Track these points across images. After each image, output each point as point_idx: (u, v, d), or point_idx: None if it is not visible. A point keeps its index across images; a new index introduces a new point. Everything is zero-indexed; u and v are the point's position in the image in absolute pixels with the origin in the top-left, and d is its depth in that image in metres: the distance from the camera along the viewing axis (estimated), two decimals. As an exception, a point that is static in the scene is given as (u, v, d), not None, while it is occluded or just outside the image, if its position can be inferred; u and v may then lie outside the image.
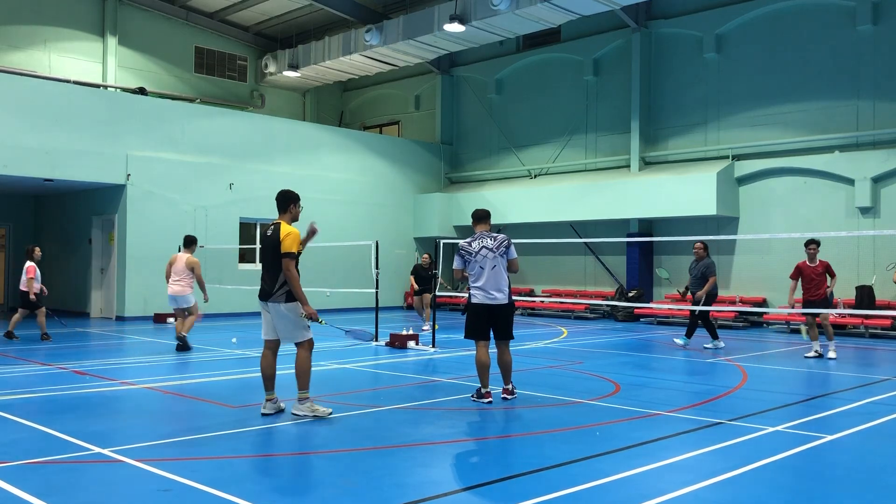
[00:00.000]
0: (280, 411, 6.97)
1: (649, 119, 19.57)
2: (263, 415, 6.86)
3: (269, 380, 6.95)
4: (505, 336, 7.68)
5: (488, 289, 7.49)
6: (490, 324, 7.61)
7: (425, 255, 15.61)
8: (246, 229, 20.04)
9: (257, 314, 21.36)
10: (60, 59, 20.64)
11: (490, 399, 7.54)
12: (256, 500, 4.41)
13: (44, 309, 13.35)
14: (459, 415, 7.12)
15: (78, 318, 18.37)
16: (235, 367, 10.24)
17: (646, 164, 19.50)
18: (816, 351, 11.48)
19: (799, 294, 11.70)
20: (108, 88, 20.85)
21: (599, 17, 19.50)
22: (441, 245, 13.61)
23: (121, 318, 17.47)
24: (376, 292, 13.34)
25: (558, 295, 20.33)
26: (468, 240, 7.65)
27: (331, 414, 6.79)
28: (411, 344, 12.43)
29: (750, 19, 17.95)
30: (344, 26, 22.89)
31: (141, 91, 20.85)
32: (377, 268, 13.18)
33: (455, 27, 18.51)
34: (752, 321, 17.07)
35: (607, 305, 19.33)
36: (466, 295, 7.84)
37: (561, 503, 4.42)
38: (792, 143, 17.19)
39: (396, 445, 5.85)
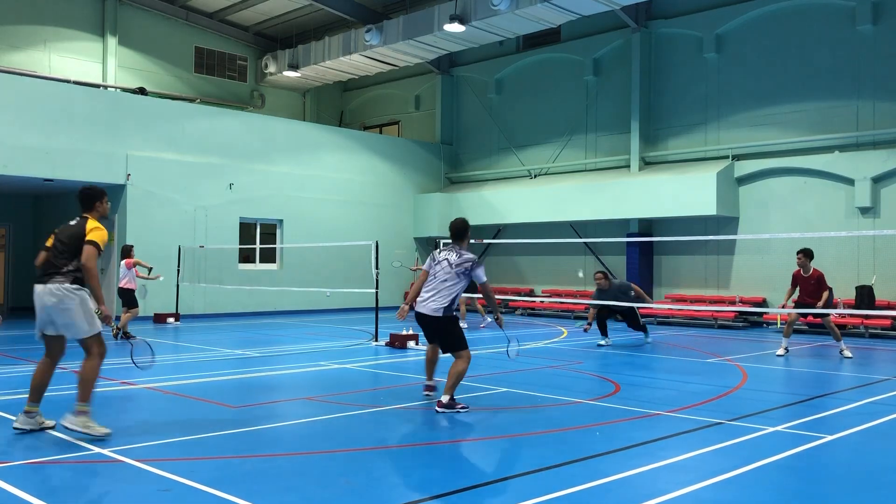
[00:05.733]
0: (42, 427, 6.10)
1: (649, 119, 19.57)
2: (15, 429, 6.06)
3: (35, 390, 6.15)
4: (449, 348, 7.46)
5: (426, 298, 7.40)
6: (431, 333, 7.63)
7: None
8: (246, 229, 20.04)
9: (258, 314, 21.26)
10: (60, 59, 20.63)
11: (428, 393, 7.75)
12: (256, 500, 4.41)
13: (137, 310, 14.08)
14: (459, 415, 7.12)
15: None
16: (235, 367, 10.24)
17: (646, 164, 19.50)
18: (785, 348, 12.01)
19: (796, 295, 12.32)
20: (108, 88, 20.85)
21: (599, 17, 19.50)
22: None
23: (120, 318, 17.44)
24: (376, 292, 13.34)
25: (558, 295, 20.31)
26: (440, 249, 7.80)
27: (108, 435, 5.84)
28: (411, 344, 12.43)
29: (750, 19, 17.94)
30: (344, 26, 22.89)
31: (141, 91, 20.85)
32: (377, 268, 13.18)
33: (455, 27, 18.51)
34: (752, 321, 17.07)
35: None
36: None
37: (561, 503, 4.42)
38: (792, 143, 17.19)
39: (396, 445, 5.85)
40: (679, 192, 17.68)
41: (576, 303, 19.14)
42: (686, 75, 18.99)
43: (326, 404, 7.11)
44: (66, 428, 5.88)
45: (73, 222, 6.20)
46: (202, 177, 18.68)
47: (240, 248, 19.52)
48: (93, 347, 6.09)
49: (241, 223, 19.67)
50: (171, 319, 16.94)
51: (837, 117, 16.60)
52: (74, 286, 5.96)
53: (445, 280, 7.39)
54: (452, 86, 24.31)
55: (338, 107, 27.10)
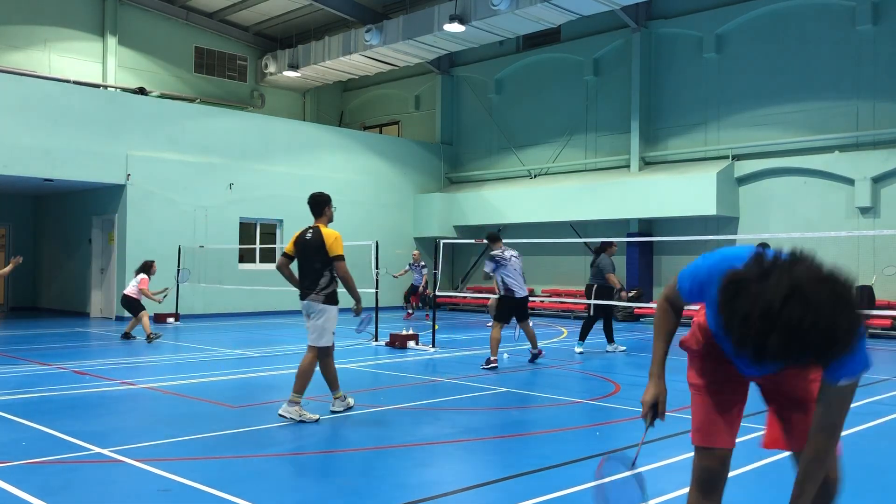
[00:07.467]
0: (349, 407, 7.02)
1: (649, 119, 19.57)
2: (333, 412, 6.90)
3: (330, 381, 7.01)
4: (524, 318, 10.40)
5: (523, 285, 10.27)
6: (519, 310, 10.27)
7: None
8: (246, 229, 20.03)
9: (258, 314, 21.29)
10: (60, 59, 20.63)
11: (496, 366, 9.88)
12: (256, 500, 4.41)
13: (144, 313, 13.48)
14: (459, 415, 7.13)
15: (78, 318, 18.38)
16: (235, 367, 10.24)
17: (646, 164, 19.50)
18: None
19: None
20: (108, 88, 20.85)
21: (599, 17, 19.49)
22: (441, 245, 13.61)
23: (121, 318, 17.43)
24: (376, 292, 13.33)
25: (558, 295, 20.32)
26: (500, 251, 10.27)
27: (318, 420, 6.59)
28: (411, 344, 12.43)
29: (750, 19, 17.94)
30: (344, 26, 22.89)
31: (141, 91, 20.85)
32: (377, 268, 13.18)
33: (455, 27, 18.51)
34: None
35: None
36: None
37: (561, 503, 4.42)
38: (792, 143, 17.19)
39: (396, 445, 5.85)
40: (679, 192, 17.68)
41: (576, 303, 19.13)
42: (686, 75, 18.99)
43: (326, 404, 7.11)
44: (281, 416, 6.54)
45: (308, 235, 6.92)
46: (202, 177, 18.68)
47: (240, 249, 19.52)
48: (316, 352, 6.88)
49: (241, 223, 19.67)
50: (171, 319, 16.94)
51: (837, 117, 16.60)
52: (326, 305, 6.81)
53: (522, 271, 10.43)
54: (452, 86, 24.31)
55: (338, 107, 27.10)
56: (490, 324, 16.77)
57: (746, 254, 2.38)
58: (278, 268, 7.07)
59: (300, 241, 6.95)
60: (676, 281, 2.88)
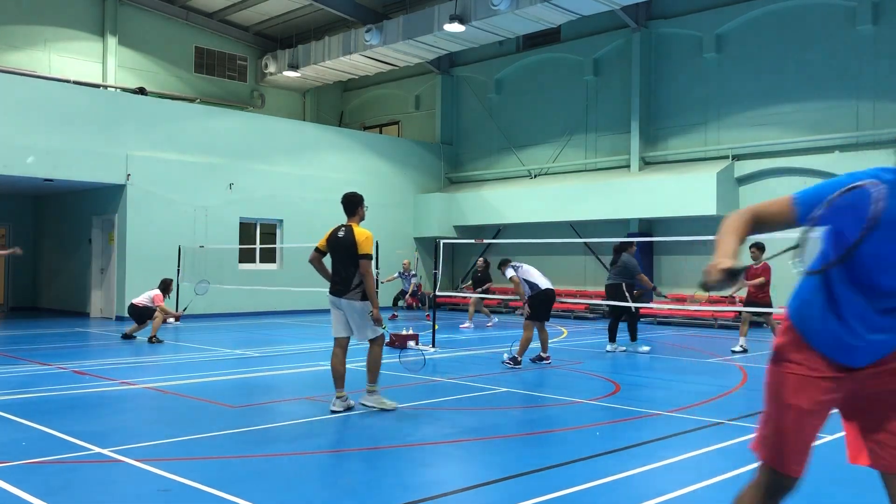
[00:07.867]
0: (349, 408, 7.06)
1: (649, 119, 19.57)
2: (333, 412, 6.92)
3: (339, 378, 7.10)
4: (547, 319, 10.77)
5: (544, 280, 10.54)
6: (549, 304, 10.57)
7: (480, 260, 17.64)
8: (246, 229, 20.03)
9: (257, 314, 21.24)
10: (60, 59, 20.63)
11: (520, 366, 10.06)
12: (256, 500, 4.41)
13: (161, 315, 13.34)
14: (459, 415, 7.13)
15: (78, 318, 18.37)
16: (235, 367, 10.24)
17: (646, 164, 19.50)
18: (742, 346, 11.94)
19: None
20: (108, 88, 20.84)
21: (599, 17, 19.50)
22: (441, 245, 13.59)
23: (121, 318, 17.42)
24: (377, 293, 13.31)
25: (558, 295, 20.28)
26: (517, 264, 10.73)
27: (395, 408, 7.05)
28: (411, 344, 12.42)
29: (750, 19, 17.95)
30: (344, 26, 22.89)
31: (141, 91, 20.84)
32: (377, 268, 13.17)
33: (455, 27, 18.52)
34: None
35: (607, 305, 19.29)
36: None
37: (561, 503, 4.42)
38: (792, 143, 17.19)
39: (396, 445, 5.85)
40: (679, 192, 17.68)
41: (576, 302, 19.12)
42: (686, 75, 18.99)
43: (326, 404, 7.11)
44: (364, 405, 7.03)
45: (340, 233, 7.19)
46: (202, 177, 18.67)
47: (240, 249, 19.51)
48: (377, 342, 7.19)
49: (241, 223, 19.66)
50: (171, 319, 16.91)
51: (837, 117, 16.60)
52: (364, 301, 7.03)
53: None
54: (452, 86, 24.31)
55: (338, 107, 27.10)
56: (465, 325, 16.65)
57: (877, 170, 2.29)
58: (310, 261, 7.30)
59: (333, 238, 7.21)
60: (791, 201, 2.59)
